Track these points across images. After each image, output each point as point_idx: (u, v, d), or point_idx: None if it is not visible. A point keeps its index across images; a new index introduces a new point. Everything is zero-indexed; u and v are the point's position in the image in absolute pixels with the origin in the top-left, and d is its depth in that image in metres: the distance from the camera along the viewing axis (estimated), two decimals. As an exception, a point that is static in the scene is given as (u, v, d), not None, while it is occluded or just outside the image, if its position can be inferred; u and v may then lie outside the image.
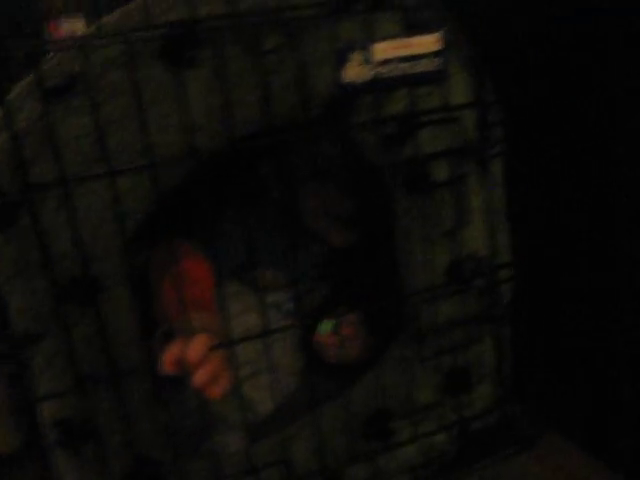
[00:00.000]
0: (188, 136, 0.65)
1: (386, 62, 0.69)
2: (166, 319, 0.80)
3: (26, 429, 1.01)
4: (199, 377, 0.69)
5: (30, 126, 0.62)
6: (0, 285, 0.64)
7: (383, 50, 0.68)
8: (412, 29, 0.69)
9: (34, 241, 0.63)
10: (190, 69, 0.65)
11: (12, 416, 1.00)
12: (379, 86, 0.69)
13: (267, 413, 0.93)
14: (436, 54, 0.70)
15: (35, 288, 0.65)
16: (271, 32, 0.65)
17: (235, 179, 0.95)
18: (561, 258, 0.84)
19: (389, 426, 0.79)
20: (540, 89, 0.80)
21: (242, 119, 0.67)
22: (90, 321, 0.67)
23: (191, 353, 0.68)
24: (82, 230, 0.64)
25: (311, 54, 0.67)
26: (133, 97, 0.63)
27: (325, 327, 0.94)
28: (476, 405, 0.83)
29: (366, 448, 0.79)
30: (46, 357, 0.67)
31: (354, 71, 0.68)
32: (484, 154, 0.75)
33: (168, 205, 0.74)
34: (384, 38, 0.68)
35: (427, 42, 0.69)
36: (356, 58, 0.68)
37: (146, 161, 0.64)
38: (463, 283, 0.78)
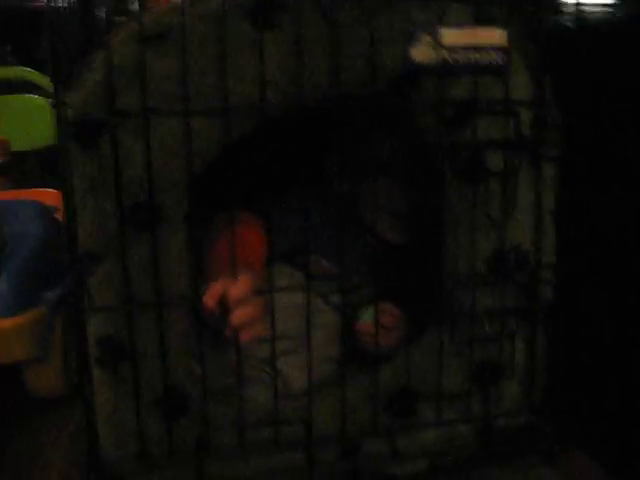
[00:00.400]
0: (261, 89, 0.71)
1: (453, 48, 0.73)
2: (214, 274, 0.85)
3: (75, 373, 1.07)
4: (238, 315, 0.73)
5: (124, 63, 0.70)
6: (75, 201, 0.71)
7: (451, 36, 0.73)
8: (480, 22, 0.74)
9: (110, 163, 0.69)
10: (271, 31, 0.71)
11: (64, 359, 1.07)
12: (443, 70, 0.74)
13: (299, 390, 0.96)
14: (501, 48, 0.75)
15: (104, 208, 0.71)
16: (349, 6, 0.72)
17: (303, 163, 1.01)
18: (607, 271, 0.85)
19: (412, 406, 0.80)
20: (605, 99, 0.83)
21: (311, 82, 0.73)
22: (146, 247, 0.72)
23: (234, 290, 0.72)
24: (153, 160, 0.70)
25: (383, 32, 0.73)
26: (218, 48, 0.70)
27: (366, 315, 0.97)
28: (503, 404, 0.83)
29: (388, 424, 0.80)
30: (103, 277, 0.73)
31: (422, 52, 0.73)
32: (538, 152, 0.78)
33: (238, 172, 0.80)
34: (454, 25, 0.73)
35: (494, 35, 0.74)
36: (425, 40, 0.73)
37: (220, 106, 0.70)
38: (504, 274, 0.79)
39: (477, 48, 0.74)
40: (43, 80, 2.13)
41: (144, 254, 0.72)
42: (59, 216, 1.16)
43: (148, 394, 0.74)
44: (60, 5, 0.88)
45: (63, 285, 1.05)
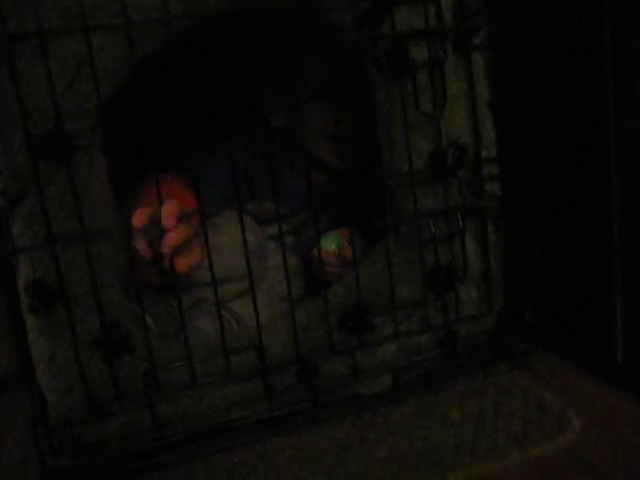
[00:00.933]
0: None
1: (359, -64, 0.70)
2: None
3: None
4: (170, 238, 0.69)
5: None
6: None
7: None
8: None
9: (12, 94, 0.65)
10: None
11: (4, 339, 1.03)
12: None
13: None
14: None
15: (12, 144, 0.67)
16: None
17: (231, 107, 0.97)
18: (552, 159, 0.82)
19: (368, 320, 0.76)
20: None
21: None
22: (63, 180, 0.68)
23: (164, 211, 0.68)
24: (57, 84, 0.66)
25: None
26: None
27: (330, 245, 0.93)
28: (462, 310, 0.80)
29: (345, 342, 0.77)
30: (24, 219, 0.69)
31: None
32: (463, 40, 0.75)
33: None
34: None
35: None
36: None
37: (121, 21, 0.66)
38: (444, 171, 0.76)
39: None
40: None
41: (63, 188, 0.69)
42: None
43: (86, 335, 0.71)
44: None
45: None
